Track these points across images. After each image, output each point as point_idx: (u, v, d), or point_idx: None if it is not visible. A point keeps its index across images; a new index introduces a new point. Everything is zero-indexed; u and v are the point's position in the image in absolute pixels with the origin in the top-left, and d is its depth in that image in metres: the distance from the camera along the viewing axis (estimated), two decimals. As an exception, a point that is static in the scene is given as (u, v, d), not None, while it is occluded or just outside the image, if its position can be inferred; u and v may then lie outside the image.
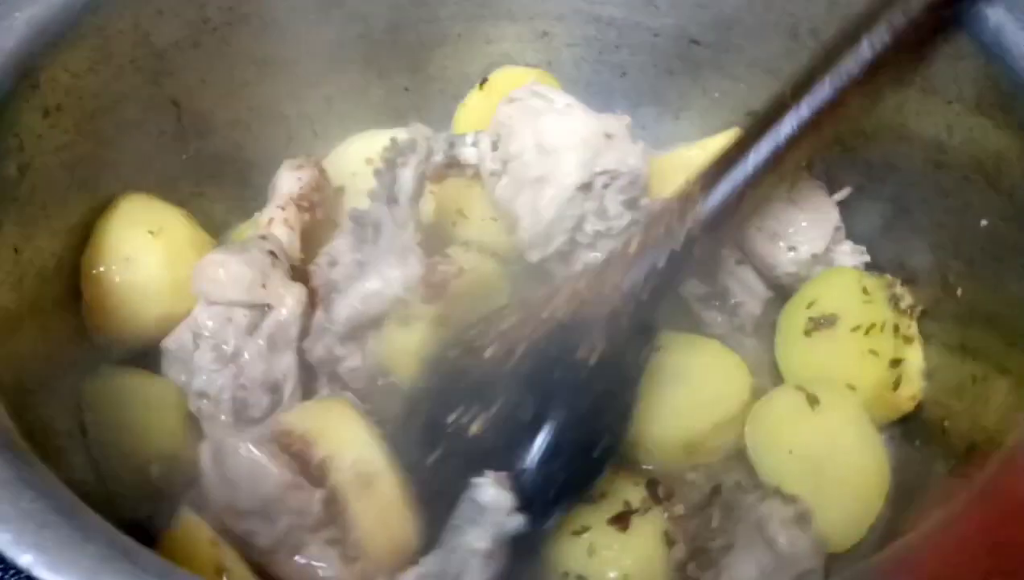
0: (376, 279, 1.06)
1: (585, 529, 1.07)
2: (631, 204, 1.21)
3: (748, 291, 1.30)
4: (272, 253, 1.14)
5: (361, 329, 1.10)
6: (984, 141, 1.10)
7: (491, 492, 0.89)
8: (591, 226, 1.20)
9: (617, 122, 1.32)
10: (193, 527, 0.95)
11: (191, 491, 0.98)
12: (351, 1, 1.38)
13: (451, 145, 1.33)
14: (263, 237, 1.17)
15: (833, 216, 1.27)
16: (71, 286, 1.12)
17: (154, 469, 1.06)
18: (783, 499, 0.98)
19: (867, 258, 1.30)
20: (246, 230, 1.37)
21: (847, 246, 1.29)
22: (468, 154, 1.30)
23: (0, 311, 0.94)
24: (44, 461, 0.80)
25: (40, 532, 0.67)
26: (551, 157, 1.19)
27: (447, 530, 0.91)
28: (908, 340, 1.19)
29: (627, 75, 1.53)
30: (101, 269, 1.12)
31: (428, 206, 1.31)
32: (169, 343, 1.10)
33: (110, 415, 1.07)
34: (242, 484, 0.90)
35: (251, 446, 0.92)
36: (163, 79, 1.23)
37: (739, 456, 1.18)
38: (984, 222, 1.11)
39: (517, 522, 0.89)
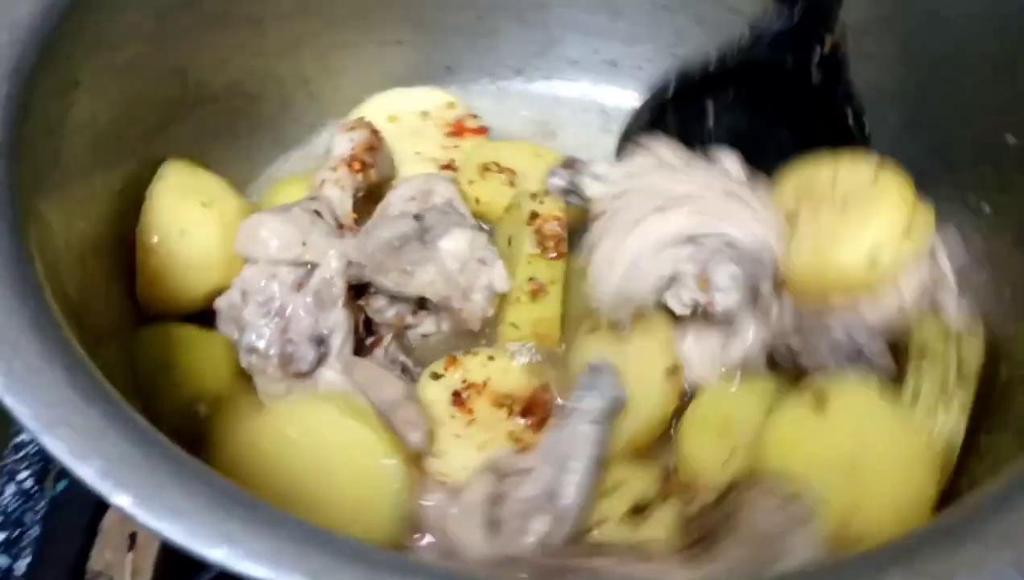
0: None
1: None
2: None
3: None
4: (316, 213, 1.13)
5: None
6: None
7: (604, 364, 1.00)
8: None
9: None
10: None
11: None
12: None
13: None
14: (312, 198, 1.17)
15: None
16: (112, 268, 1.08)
17: (202, 408, 1.07)
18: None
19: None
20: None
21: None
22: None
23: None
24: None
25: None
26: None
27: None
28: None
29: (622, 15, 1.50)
30: (155, 240, 1.12)
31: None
32: (221, 302, 1.11)
33: (161, 359, 1.08)
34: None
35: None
36: (169, 43, 1.14)
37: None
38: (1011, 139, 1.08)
39: (622, 392, 0.99)
